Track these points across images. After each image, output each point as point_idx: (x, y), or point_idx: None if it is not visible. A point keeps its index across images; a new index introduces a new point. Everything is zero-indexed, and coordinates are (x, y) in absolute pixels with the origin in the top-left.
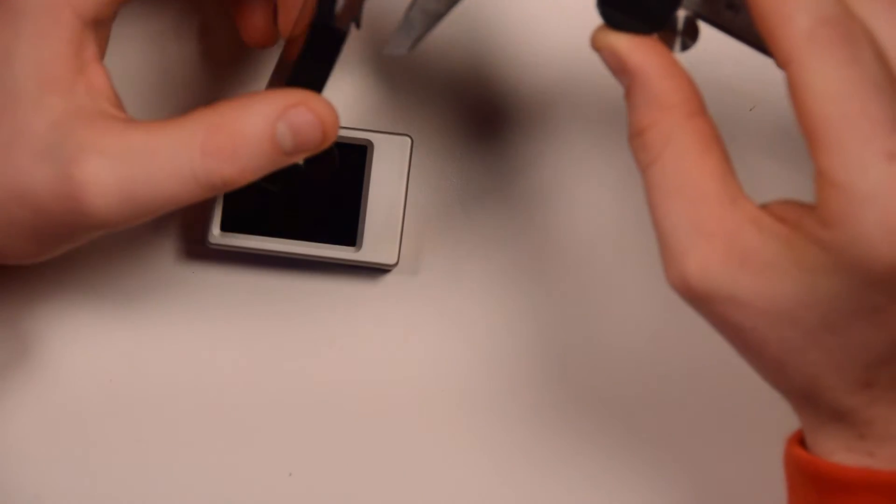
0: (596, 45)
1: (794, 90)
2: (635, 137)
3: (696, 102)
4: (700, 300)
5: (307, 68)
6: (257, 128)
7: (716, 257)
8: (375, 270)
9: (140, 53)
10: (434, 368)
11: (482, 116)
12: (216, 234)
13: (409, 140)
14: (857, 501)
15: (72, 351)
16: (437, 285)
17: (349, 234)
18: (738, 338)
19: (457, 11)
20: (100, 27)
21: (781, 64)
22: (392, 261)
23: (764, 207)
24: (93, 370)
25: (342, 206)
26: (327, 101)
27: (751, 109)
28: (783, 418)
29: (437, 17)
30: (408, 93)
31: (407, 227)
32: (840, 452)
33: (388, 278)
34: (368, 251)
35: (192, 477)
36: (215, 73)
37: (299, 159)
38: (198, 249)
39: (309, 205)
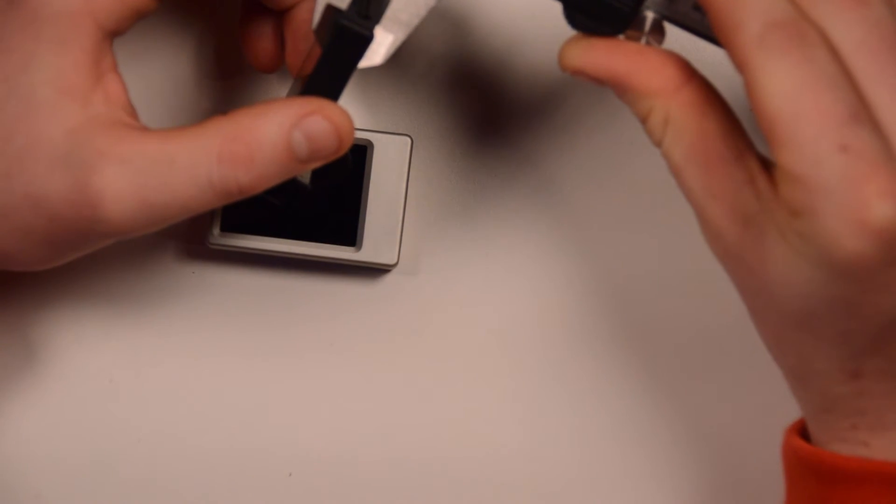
0: (564, 70)
1: (750, 93)
2: (643, 125)
3: (678, 74)
4: (721, 257)
5: (326, 74)
6: (273, 136)
7: (725, 217)
8: (375, 270)
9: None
10: (434, 369)
11: (482, 116)
12: (216, 234)
13: (409, 140)
14: (859, 492)
15: (72, 351)
16: (437, 285)
17: (349, 234)
18: (749, 301)
19: (457, 11)
20: (116, 38)
21: (738, 68)
22: (392, 261)
23: (770, 168)
24: (93, 370)
25: (342, 206)
26: (343, 109)
27: (751, 109)
28: None
29: (409, 26)
30: (408, 93)
31: (407, 227)
32: (835, 443)
33: (388, 278)
34: (368, 251)
35: (192, 476)
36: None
37: (315, 167)
38: (198, 249)
39: (309, 205)
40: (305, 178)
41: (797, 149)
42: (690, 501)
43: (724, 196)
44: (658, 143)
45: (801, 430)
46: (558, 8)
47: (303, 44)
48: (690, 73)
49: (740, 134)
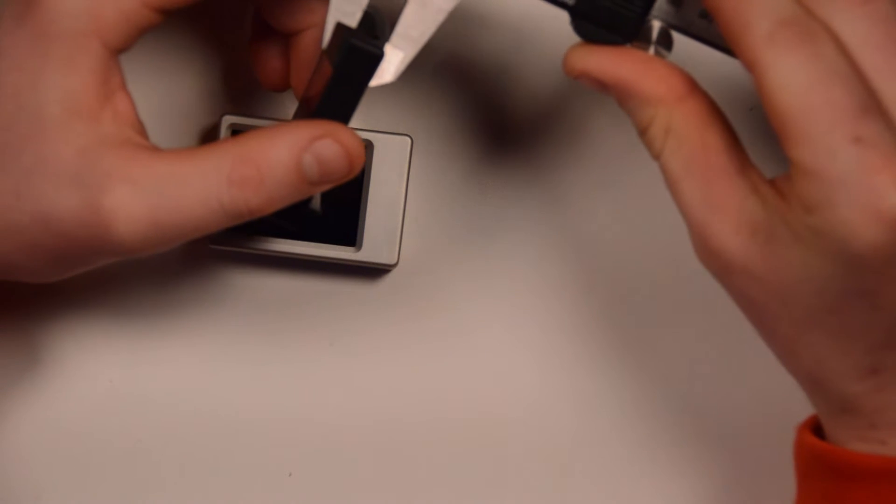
0: (569, 73)
1: (761, 90)
2: (641, 135)
3: (682, 85)
4: (720, 273)
5: (337, 94)
6: (283, 159)
7: (729, 230)
8: (375, 270)
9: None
10: (434, 368)
11: (483, 117)
12: (217, 234)
13: (409, 140)
14: (877, 490)
15: (72, 352)
16: (437, 285)
17: (349, 234)
18: (754, 313)
19: (458, 11)
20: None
21: (748, 68)
22: (392, 261)
23: (770, 181)
24: (93, 371)
25: (342, 206)
26: (354, 132)
27: (751, 109)
28: None
29: (418, 43)
30: (408, 93)
31: (407, 227)
32: (852, 442)
33: (388, 278)
34: (368, 251)
35: (192, 477)
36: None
37: (325, 189)
38: (198, 250)
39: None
40: (315, 202)
41: (810, 143)
42: (698, 498)
43: (728, 207)
44: (657, 155)
45: (814, 428)
46: (563, 12)
47: (307, 71)
48: (694, 86)
49: (740, 149)
